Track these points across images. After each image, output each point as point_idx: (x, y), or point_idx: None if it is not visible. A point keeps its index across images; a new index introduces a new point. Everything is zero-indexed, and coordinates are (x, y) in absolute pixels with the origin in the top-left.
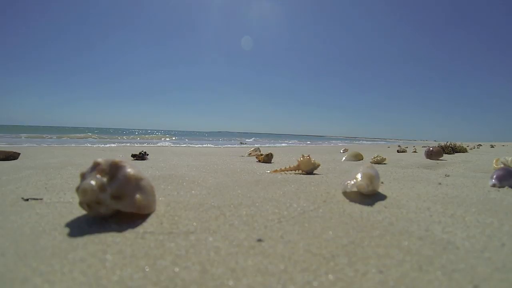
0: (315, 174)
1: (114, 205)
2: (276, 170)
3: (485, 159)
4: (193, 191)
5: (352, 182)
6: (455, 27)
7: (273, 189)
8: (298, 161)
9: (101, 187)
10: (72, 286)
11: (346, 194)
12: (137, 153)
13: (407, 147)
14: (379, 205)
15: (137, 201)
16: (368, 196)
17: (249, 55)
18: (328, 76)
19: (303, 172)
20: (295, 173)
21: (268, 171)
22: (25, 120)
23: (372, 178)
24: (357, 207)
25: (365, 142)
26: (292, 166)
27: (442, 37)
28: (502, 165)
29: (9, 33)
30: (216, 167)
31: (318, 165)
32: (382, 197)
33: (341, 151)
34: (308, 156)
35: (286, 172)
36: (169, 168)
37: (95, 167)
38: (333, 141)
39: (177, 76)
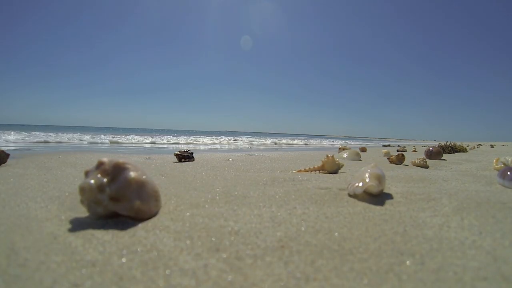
0: (340, 173)
1: (111, 206)
2: (301, 170)
3: (485, 159)
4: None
5: (361, 184)
6: (455, 26)
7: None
8: (322, 161)
9: (100, 187)
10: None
11: (354, 196)
12: (182, 152)
13: (405, 147)
14: (386, 203)
15: (135, 205)
16: (375, 196)
17: (249, 54)
18: (328, 75)
19: (328, 172)
20: (320, 173)
21: (295, 171)
22: (22, 119)
23: (380, 178)
24: (363, 205)
25: (367, 142)
26: (316, 166)
27: (442, 37)
28: (502, 165)
29: (6, 31)
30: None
31: (342, 165)
32: (387, 196)
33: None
34: (332, 156)
35: (311, 171)
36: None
37: (99, 166)
38: (333, 140)
39: (176, 75)
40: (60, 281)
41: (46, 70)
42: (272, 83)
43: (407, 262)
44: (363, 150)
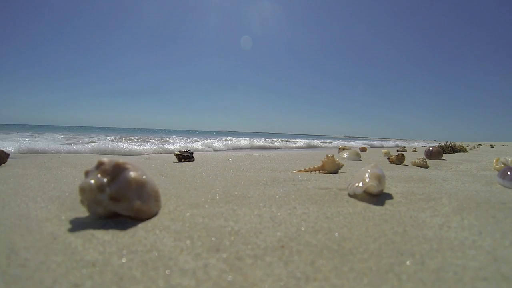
0: (340, 173)
1: (112, 206)
2: (301, 170)
3: (485, 159)
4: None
5: (361, 184)
6: (455, 26)
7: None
8: (322, 161)
9: (100, 188)
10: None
11: (354, 196)
12: (182, 152)
13: (405, 147)
14: (386, 203)
15: (135, 206)
16: (375, 196)
17: (249, 54)
18: (328, 75)
19: (328, 172)
20: (320, 173)
21: (295, 171)
22: (22, 119)
23: (380, 178)
24: (363, 205)
25: (367, 142)
26: (316, 166)
27: (442, 37)
28: (502, 165)
29: (6, 31)
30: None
31: (342, 165)
32: (387, 196)
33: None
34: (332, 156)
35: (310, 172)
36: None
37: (99, 166)
38: (334, 141)
39: (176, 75)
40: (60, 281)
41: (46, 70)
42: (272, 83)
43: (407, 262)
44: (363, 150)
